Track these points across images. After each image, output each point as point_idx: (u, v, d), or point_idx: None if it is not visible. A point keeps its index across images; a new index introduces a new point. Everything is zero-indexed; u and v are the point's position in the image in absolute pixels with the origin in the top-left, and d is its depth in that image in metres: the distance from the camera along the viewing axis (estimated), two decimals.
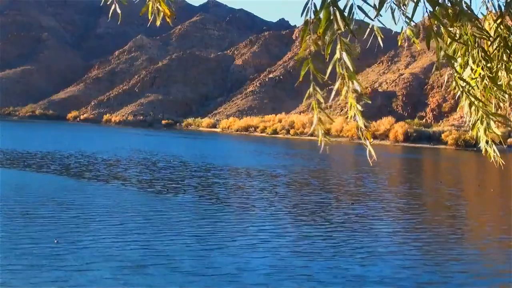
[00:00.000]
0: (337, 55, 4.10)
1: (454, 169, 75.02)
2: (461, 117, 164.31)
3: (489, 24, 4.90)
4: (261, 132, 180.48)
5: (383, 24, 4.40)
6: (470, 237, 26.25)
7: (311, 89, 4.29)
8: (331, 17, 4.04)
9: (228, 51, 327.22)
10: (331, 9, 4.05)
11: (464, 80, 4.65)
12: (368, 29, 4.45)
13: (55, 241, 20.36)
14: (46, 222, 23.99)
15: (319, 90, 4.31)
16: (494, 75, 4.71)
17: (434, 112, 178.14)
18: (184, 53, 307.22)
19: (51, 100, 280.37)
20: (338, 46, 4.09)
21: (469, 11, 4.36)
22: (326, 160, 74.03)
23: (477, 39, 4.57)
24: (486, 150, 5.00)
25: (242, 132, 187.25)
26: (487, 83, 4.69)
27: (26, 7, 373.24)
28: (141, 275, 16.65)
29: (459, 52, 4.76)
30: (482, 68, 4.57)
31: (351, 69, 4.09)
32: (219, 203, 32.04)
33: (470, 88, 4.71)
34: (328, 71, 4.28)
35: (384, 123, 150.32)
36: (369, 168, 58.43)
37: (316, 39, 4.17)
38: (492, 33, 4.72)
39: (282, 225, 26.19)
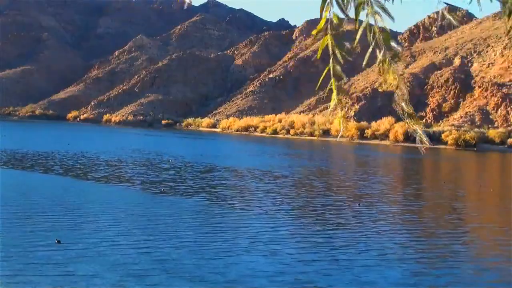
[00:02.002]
0: (367, 20, 3.69)
1: (456, 169, 74.88)
2: (461, 117, 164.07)
3: None
4: (261, 132, 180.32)
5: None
6: (477, 239, 25.85)
7: (330, 64, 3.88)
8: None
9: (228, 51, 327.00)
10: None
11: None
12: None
13: (56, 241, 20.33)
14: (46, 223, 23.67)
15: (339, 68, 3.84)
16: None
17: (434, 112, 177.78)
18: (184, 53, 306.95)
19: (51, 100, 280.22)
20: (367, 11, 3.69)
21: None
22: (328, 160, 73.93)
23: None
24: None
25: (242, 132, 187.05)
26: None
27: (26, 7, 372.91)
28: (143, 280, 16.40)
29: None
30: None
31: (387, 31, 3.67)
32: (223, 205, 31.69)
33: None
34: (358, 36, 3.80)
35: (384, 123, 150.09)
36: (372, 169, 58.33)
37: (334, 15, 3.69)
38: None
39: (287, 228, 25.87)
